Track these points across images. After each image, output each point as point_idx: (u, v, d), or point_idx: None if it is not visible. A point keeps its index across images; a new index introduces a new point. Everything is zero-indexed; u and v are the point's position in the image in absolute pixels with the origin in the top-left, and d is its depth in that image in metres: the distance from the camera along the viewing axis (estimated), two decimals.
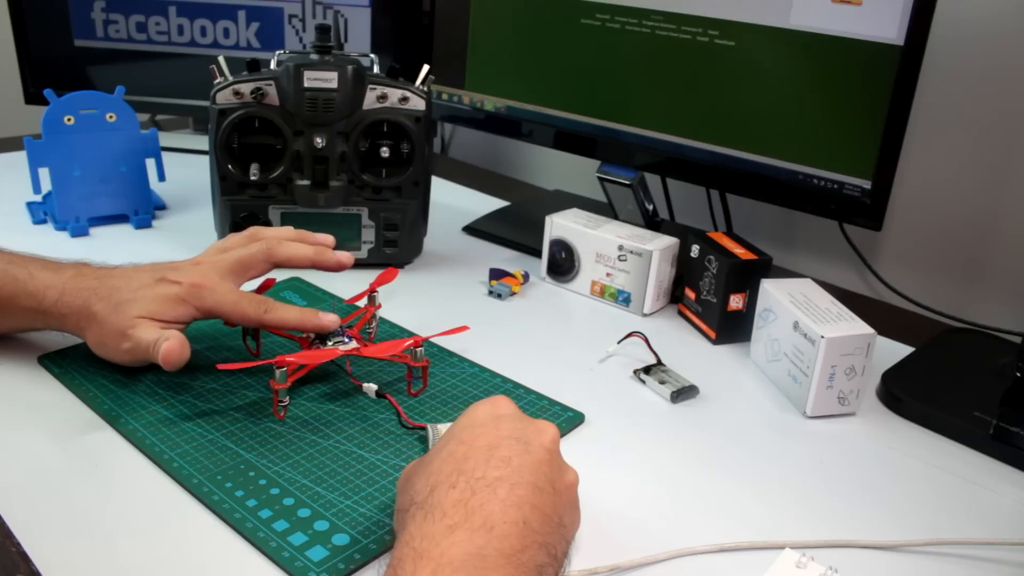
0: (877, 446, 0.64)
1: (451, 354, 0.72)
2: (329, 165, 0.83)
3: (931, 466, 0.62)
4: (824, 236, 1.00)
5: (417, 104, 0.84)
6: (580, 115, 0.95)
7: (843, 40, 0.75)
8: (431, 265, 0.91)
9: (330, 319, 0.65)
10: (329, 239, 0.70)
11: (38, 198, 0.96)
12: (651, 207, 0.95)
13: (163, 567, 0.47)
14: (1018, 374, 0.70)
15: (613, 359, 0.74)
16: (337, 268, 0.69)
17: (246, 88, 0.81)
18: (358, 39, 1.20)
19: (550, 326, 0.80)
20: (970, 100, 0.88)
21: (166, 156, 0.98)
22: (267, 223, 0.85)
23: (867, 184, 0.77)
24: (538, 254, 0.89)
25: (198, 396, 0.63)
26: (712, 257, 0.77)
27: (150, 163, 0.96)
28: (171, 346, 0.60)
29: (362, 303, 0.73)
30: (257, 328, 0.69)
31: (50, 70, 1.20)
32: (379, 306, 0.73)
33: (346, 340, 0.65)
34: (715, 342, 0.78)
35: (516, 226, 1.01)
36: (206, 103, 0.82)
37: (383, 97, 0.83)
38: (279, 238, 0.68)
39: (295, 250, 0.67)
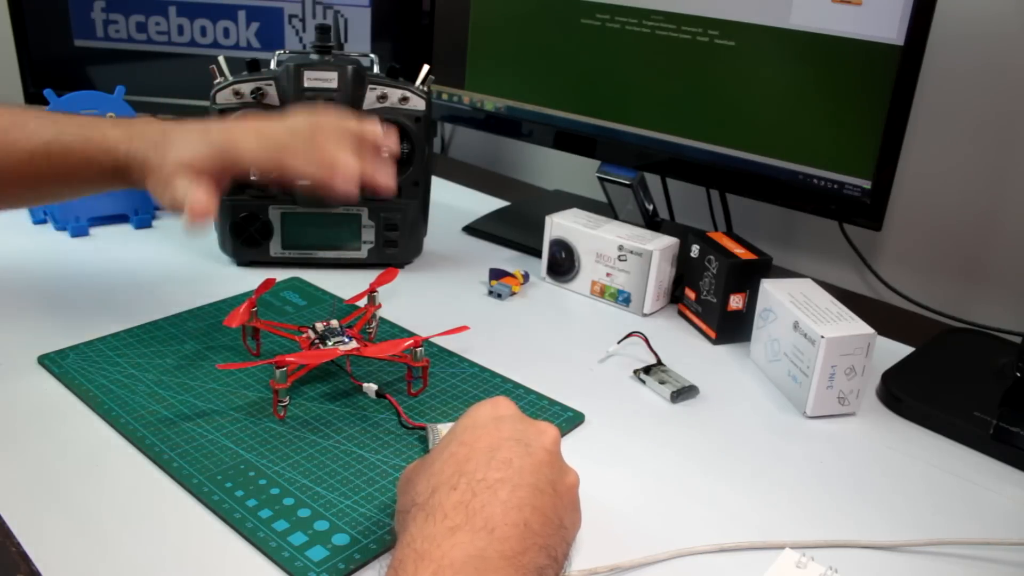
0: (877, 446, 0.64)
1: (451, 354, 0.72)
2: None
3: (931, 466, 0.62)
4: (824, 236, 1.00)
5: (417, 104, 0.84)
6: (580, 115, 0.95)
7: (843, 40, 0.75)
8: (431, 265, 0.91)
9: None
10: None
11: None
12: (651, 207, 0.95)
13: (163, 567, 0.48)
14: (1018, 374, 0.70)
15: (613, 359, 0.74)
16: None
17: (246, 88, 0.81)
18: (358, 39, 1.20)
19: (550, 326, 0.80)
20: (970, 100, 0.88)
21: None
22: (268, 223, 0.84)
23: (867, 184, 0.77)
24: (538, 254, 0.89)
25: (198, 396, 0.63)
26: (712, 257, 0.77)
27: None
28: (196, 198, 0.61)
29: (362, 303, 0.73)
30: (256, 327, 0.69)
31: (50, 70, 1.20)
32: (379, 306, 0.73)
33: (346, 340, 0.65)
34: (715, 342, 0.78)
35: (516, 226, 1.01)
36: (206, 103, 0.82)
37: (383, 97, 0.83)
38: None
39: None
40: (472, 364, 0.70)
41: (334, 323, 0.68)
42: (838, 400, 0.67)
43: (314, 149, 0.65)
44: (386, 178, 0.67)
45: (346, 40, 1.19)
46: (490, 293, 0.85)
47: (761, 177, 0.83)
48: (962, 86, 0.88)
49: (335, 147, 0.65)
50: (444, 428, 0.59)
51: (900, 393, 0.69)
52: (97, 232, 0.94)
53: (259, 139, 0.65)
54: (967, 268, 0.92)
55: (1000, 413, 0.65)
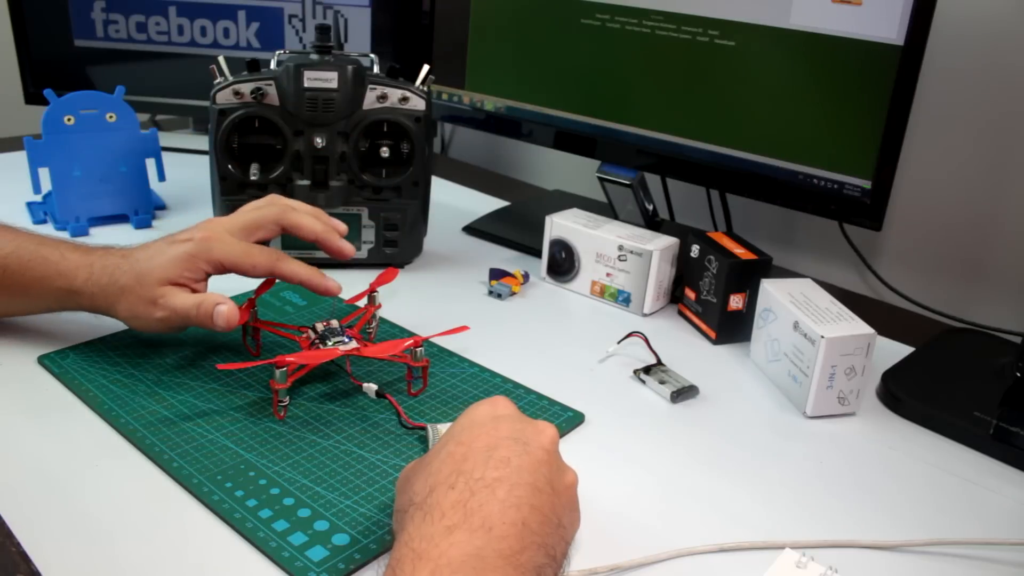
0: (877, 446, 0.64)
1: (451, 354, 0.72)
2: (329, 165, 0.83)
3: (931, 466, 0.62)
4: (824, 236, 1.00)
5: (417, 104, 0.84)
6: (580, 115, 0.95)
7: (843, 40, 0.75)
8: (431, 265, 0.91)
9: (335, 285, 0.67)
10: (342, 226, 0.70)
11: (38, 198, 0.96)
12: (651, 207, 0.95)
13: (163, 567, 0.48)
14: (1018, 374, 0.70)
15: (613, 359, 0.74)
16: (338, 254, 0.69)
17: (246, 88, 0.81)
18: (358, 39, 1.20)
19: (550, 326, 0.80)
20: (970, 100, 0.88)
21: (166, 156, 0.98)
22: None
23: (867, 184, 0.77)
24: (538, 254, 0.89)
25: (198, 396, 0.63)
26: (712, 257, 0.77)
27: (150, 163, 0.96)
28: (230, 311, 0.62)
29: (362, 303, 0.73)
30: (256, 327, 0.69)
31: (50, 70, 1.20)
32: (379, 306, 0.73)
33: (346, 340, 0.65)
34: (715, 342, 0.78)
35: (516, 226, 1.01)
36: (206, 103, 0.82)
37: (383, 97, 0.83)
38: (294, 206, 0.69)
39: (305, 220, 0.68)
40: (472, 364, 0.70)
41: (334, 323, 0.68)
42: (838, 400, 0.67)
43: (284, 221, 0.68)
44: (345, 247, 0.69)
45: (346, 40, 1.19)
46: (490, 293, 0.85)
47: (761, 177, 0.83)
48: (962, 86, 0.88)
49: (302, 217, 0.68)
50: (444, 428, 0.59)
51: (900, 393, 0.69)
52: (97, 232, 0.94)
53: (231, 241, 0.65)
54: (967, 268, 0.92)
55: (1000, 413, 0.65)
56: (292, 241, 0.85)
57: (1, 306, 0.69)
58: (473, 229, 1.01)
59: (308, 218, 0.68)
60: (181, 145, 1.25)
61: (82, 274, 0.65)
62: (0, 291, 0.67)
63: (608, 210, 0.97)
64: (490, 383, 0.68)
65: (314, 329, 0.67)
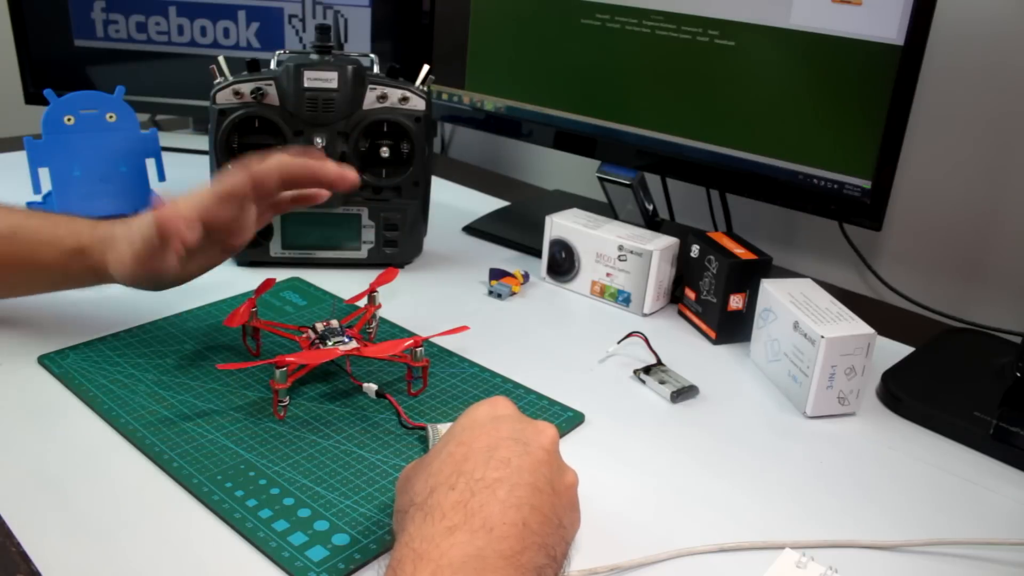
0: (877, 446, 0.64)
1: (451, 354, 0.72)
2: None
3: (931, 466, 0.62)
4: (824, 236, 1.00)
5: (417, 104, 0.84)
6: (580, 115, 0.95)
7: (843, 40, 0.75)
8: (431, 265, 0.91)
9: (347, 175, 0.65)
10: (330, 167, 0.66)
11: (38, 198, 0.96)
12: (651, 207, 0.95)
13: (163, 567, 0.48)
14: (1018, 374, 0.70)
15: (613, 359, 0.74)
16: (340, 180, 0.64)
17: (246, 88, 0.81)
18: (358, 39, 1.20)
19: (550, 326, 0.80)
20: (970, 100, 0.88)
21: (166, 156, 0.98)
22: (268, 223, 0.84)
23: (867, 184, 0.77)
24: (538, 254, 0.89)
25: (198, 396, 0.63)
26: (712, 257, 0.77)
27: (150, 163, 0.95)
28: (163, 212, 0.61)
29: (362, 303, 0.73)
30: (256, 327, 0.69)
31: (50, 70, 1.20)
32: (379, 306, 0.73)
33: (346, 340, 0.65)
34: (715, 342, 0.78)
35: (516, 226, 1.01)
36: (206, 103, 0.82)
37: (383, 97, 0.83)
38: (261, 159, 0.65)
39: (280, 160, 0.64)
40: (472, 364, 0.70)
41: (334, 323, 0.68)
42: (838, 400, 0.67)
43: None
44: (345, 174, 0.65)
45: (346, 40, 1.19)
46: (490, 293, 0.85)
47: (761, 177, 0.83)
48: (962, 86, 0.88)
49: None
50: (444, 428, 0.59)
51: (900, 393, 0.69)
52: None
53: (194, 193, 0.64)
54: (967, 268, 0.92)
55: (1000, 413, 0.65)
56: (293, 240, 0.85)
57: (18, 286, 0.71)
58: (473, 229, 1.01)
59: (281, 158, 0.64)
60: (181, 145, 1.25)
61: (87, 230, 0.67)
62: (11, 265, 0.68)
63: (608, 210, 0.97)
64: (490, 383, 0.68)
65: (314, 329, 0.67)
